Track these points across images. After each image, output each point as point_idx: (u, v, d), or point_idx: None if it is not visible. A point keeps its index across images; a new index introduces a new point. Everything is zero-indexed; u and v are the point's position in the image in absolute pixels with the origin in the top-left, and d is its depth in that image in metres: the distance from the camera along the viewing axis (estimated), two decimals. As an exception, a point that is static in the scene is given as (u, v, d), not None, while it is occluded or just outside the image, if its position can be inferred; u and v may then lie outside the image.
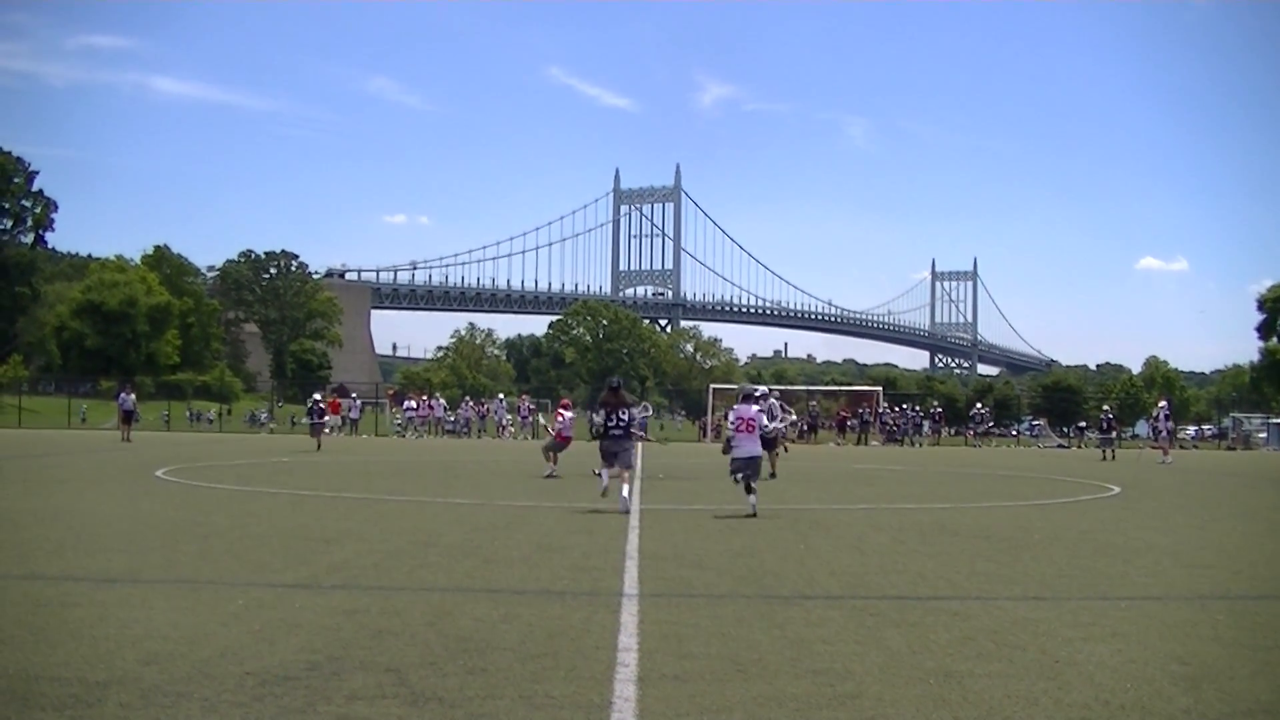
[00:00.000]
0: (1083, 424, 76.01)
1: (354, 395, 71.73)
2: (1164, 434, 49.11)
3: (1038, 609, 10.03)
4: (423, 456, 38.62)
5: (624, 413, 20.14)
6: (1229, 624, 9.38)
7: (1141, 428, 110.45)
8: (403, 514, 18.13)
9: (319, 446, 42.45)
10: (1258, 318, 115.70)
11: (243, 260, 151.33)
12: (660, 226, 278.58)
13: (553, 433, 28.76)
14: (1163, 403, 52.23)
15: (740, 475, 18.54)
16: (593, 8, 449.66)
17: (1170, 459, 44.86)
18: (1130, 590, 11.30)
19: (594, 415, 24.78)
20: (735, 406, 19.71)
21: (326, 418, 47.69)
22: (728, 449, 18.95)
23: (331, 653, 7.61)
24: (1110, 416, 55.49)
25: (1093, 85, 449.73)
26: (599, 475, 20.23)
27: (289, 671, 7.09)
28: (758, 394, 22.03)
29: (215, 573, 11.38)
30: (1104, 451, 50.77)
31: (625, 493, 18.79)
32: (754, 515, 17.99)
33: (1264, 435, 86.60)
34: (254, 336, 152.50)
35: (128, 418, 50.48)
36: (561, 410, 29.88)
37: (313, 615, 8.99)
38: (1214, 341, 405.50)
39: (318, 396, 47.20)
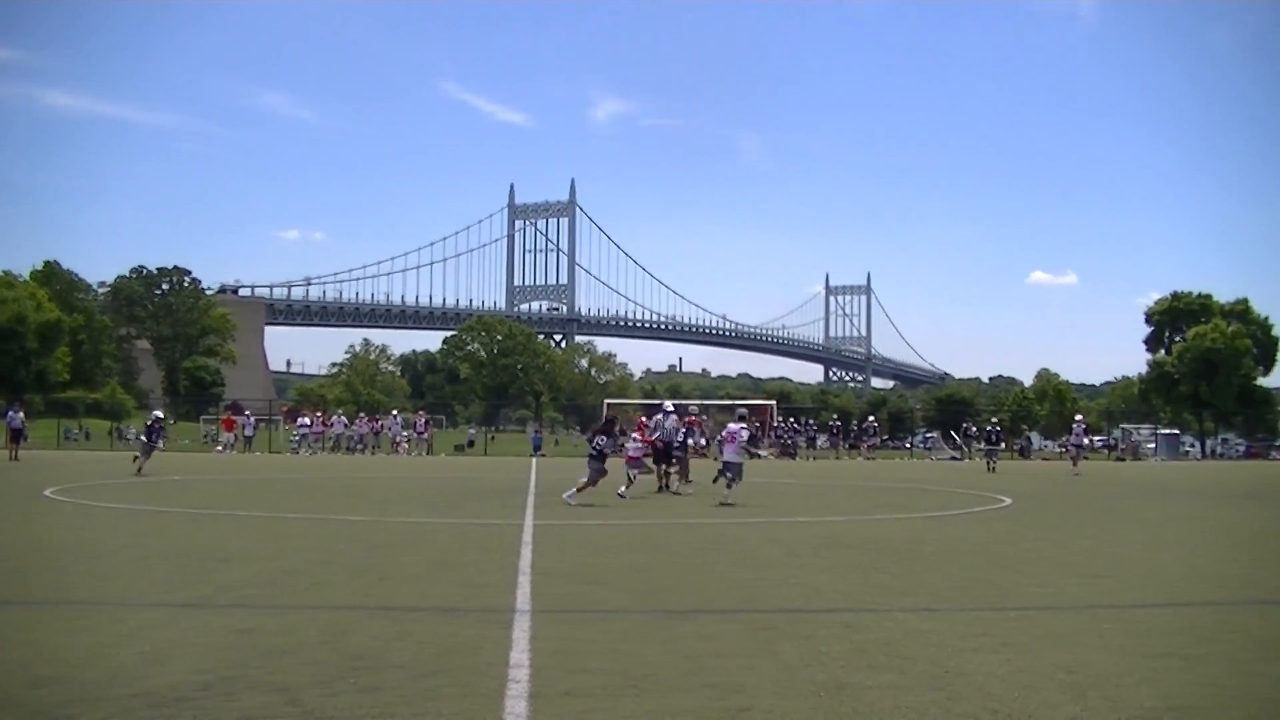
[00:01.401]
0: (971, 430, 76.47)
1: (248, 412, 71.15)
2: (1081, 446, 49.50)
3: (930, 620, 10.14)
4: (318, 473, 38.32)
5: (602, 440, 25.49)
6: (1116, 632, 9.52)
7: (1033, 439, 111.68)
8: (297, 532, 18.06)
9: (139, 470, 34.67)
10: (1145, 330, 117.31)
11: (135, 276, 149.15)
12: (555, 242, 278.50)
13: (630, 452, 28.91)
14: (1079, 416, 52.59)
15: (727, 474, 24.65)
16: (487, 23, 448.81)
17: (1079, 471, 45.49)
18: (1021, 600, 11.42)
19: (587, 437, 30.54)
20: (728, 425, 25.95)
21: (161, 444, 41.29)
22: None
23: (223, 673, 7.55)
24: (998, 429, 56.00)
25: (982, 102, 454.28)
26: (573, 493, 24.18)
27: (180, 693, 7.03)
28: (739, 414, 29.11)
29: (106, 593, 11.27)
30: (988, 463, 51.28)
31: (571, 494, 23.99)
32: (730, 505, 23.66)
33: (1152, 446, 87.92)
34: (146, 353, 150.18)
35: (16, 436, 49.68)
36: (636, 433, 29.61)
37: (205, 635, 8.94)
38: (1103, 354, 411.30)
39: (159, 414, 42.50)
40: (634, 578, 12.61)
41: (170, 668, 7.70)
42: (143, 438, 38.30)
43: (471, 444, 79.57)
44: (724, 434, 25.77)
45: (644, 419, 30.62)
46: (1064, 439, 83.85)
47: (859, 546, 16.31)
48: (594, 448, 25.25)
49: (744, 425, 26.51)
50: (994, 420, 61.65)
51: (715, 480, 25.75)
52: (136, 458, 36.72)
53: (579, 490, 24.11)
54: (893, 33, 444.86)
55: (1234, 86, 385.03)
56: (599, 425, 26.90)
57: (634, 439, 27.75)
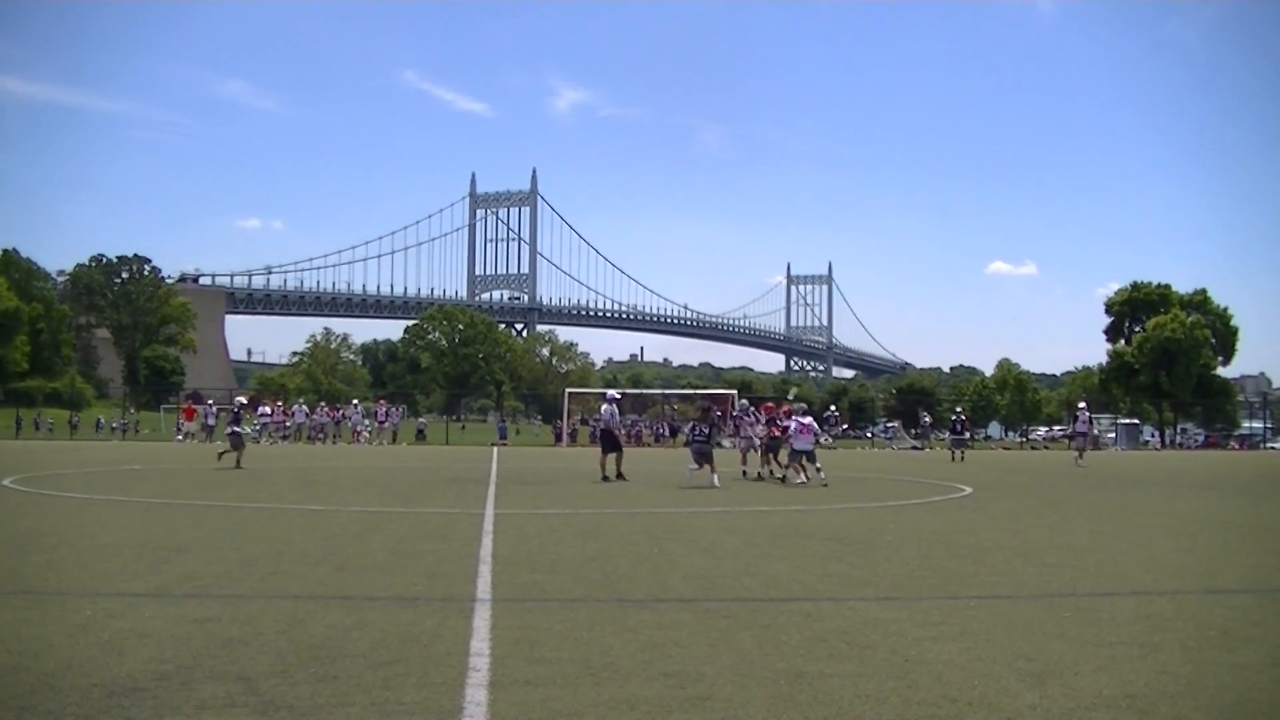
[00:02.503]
0: (926, 419, 76.48)
1: (210, 401, 70.77)
2: (1084, 437, 48.84)
3: (889, 609, 10.15)
4: (277, 463, 38.05)
5: (705, 427, 28.99)
6: (1075, 621, 9.55)
7: (994, 429, 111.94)
8: (256, 521, 17.97)
9: (238, 463, 33.57)
10: (1105, 321, 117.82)
11: (94, 265, 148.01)
12: (516, 231, 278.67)
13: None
14: (1082, 404, 51.77)
15: (804, 459, 28.35)
16: (447, 12, 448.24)
17: (1084, 462, 44.59)
18: (979, 589, 11.45)
19: (685, 428, 34.96)
20: (797, 418, 29.08)
21: (242, 426, 36.64)
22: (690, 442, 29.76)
23: (181, 662, 7.53)
24: (962, 418, 55.97)
25: (942, 93, 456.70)
26: (690, 471, 27.64)
27: (137, 682, 7.00)
28: (803, 409, 31.00)
29: (62, 583, 11.20)
30: (954, 453, 51.19)
31: (714, 480, 26.99)
32: (825, 485, 27.33)
33: (1112, 435, 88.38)
34: (106, 342, 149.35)
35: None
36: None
37: (163, 625, 8.89)
38: (1063, 344, 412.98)
39: (243, 400, 40.61)
40: (593, 566, 12.60)
41: (128, 657, 7.67)
42: (234, 428, 35.32)
43: (421, 434, 78.43)
44: (797, 426, 28.73)
45: (770, 406, 32.47)
46: (1063, 428, 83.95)
47: (818, 536, 16.33)
48: (698, 436, 28.68)
49: (811, 418, 29.78)
50: (958, 410, 61.63)
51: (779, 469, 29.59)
52: (223, 453, 34.63)
53: (713, 472, 27.33)
54: (853, 24, 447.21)
55: (1191, 79, 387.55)
56: (698, 416, 31.16)
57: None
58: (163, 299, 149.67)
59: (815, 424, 29.79)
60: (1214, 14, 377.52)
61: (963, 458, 49.43)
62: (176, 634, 8.50)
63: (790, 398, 34.40)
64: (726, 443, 34.11)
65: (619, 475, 28.23)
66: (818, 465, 28.53)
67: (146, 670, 7.30)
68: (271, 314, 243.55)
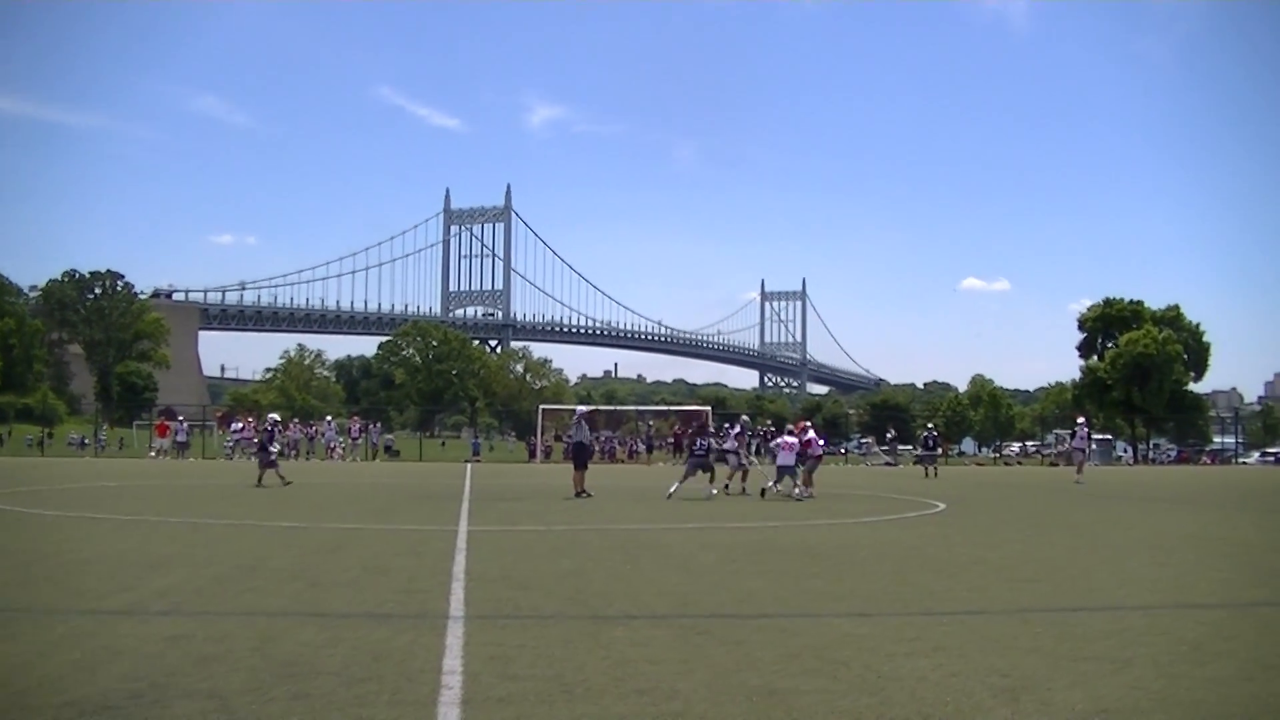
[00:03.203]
0: (889, 434, 76.59)
1: (182, 418, 70.57)
2: (1083, 452, 48.41)
3: (863, 625, 10.16)
4: (251, 479, 37.87)
5: (704, 441, 31.47)
6: (1048, 636, 9.57)
7: (968, 445, 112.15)
8: (229, 538, 17.92)
9: (260, 482, 33.31)
10: (1078, 336, 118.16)
11: (67, 280, 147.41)
12: (491, 247, 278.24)
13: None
14: (1081, 419, 51.32)
15: (785, 476, 29.59)
16: (422, 28, 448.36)
17: (1082, 479, 43.82)
18: (954, 605, 11.48)
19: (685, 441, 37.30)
20: (782, 437, 31.38)
21: (274, 446, 36.34)
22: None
23: (154, 680, 7.50)
24: (934, 434, 55.93)
25: (914, 110, 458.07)
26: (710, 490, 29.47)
27: (110, 700, 6.97)
28: (791, 428, 33.94)
29: (34, 600, 11.15)
30: (926, 469, 51.14)
31: (710, 486, 29.76)
32: (800, 500, 28.42)
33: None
34: (78, 358, 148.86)
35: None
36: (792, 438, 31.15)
37: (136, 642, 8.86)
38: (1037, 360, 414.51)
39: (275, 417, 39.52)
40: (567, 583, 12.59)
41: (100, 675, 7.65)
42: (263, 451, 34.95)
43: (390, 449, 77.87)
44: (780, 443, 30.74)
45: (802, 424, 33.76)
46: (1036, 443, 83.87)
47: (792, 551, 16.36)
48: (699, 448, 31.01)
49: (796, 438, 30.83)
50: (929, 426, 61.64)
51: (775, 484, 30.00)
52: (285, 479, 33.53)
53: (682, 482, 29.56)
54: (827, 42, 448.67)
55: (1164, 96, 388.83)
56: (695, 430, 33.75)
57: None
58: (136, 315, 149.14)
59: (798, 442, 30.31)
60: (1187, 31, 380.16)
61: (935, 473, 49.49)
62: (150, 651, 8.47)
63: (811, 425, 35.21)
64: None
65: (581, 492, 28.29)
66: (797, 481, 29.28)
67: (119, 688, 7.28)
68: (245, 330, 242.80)
